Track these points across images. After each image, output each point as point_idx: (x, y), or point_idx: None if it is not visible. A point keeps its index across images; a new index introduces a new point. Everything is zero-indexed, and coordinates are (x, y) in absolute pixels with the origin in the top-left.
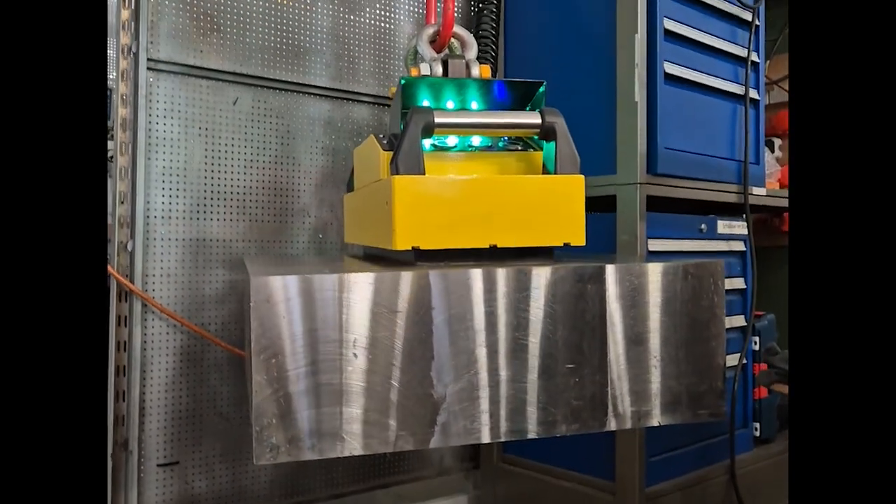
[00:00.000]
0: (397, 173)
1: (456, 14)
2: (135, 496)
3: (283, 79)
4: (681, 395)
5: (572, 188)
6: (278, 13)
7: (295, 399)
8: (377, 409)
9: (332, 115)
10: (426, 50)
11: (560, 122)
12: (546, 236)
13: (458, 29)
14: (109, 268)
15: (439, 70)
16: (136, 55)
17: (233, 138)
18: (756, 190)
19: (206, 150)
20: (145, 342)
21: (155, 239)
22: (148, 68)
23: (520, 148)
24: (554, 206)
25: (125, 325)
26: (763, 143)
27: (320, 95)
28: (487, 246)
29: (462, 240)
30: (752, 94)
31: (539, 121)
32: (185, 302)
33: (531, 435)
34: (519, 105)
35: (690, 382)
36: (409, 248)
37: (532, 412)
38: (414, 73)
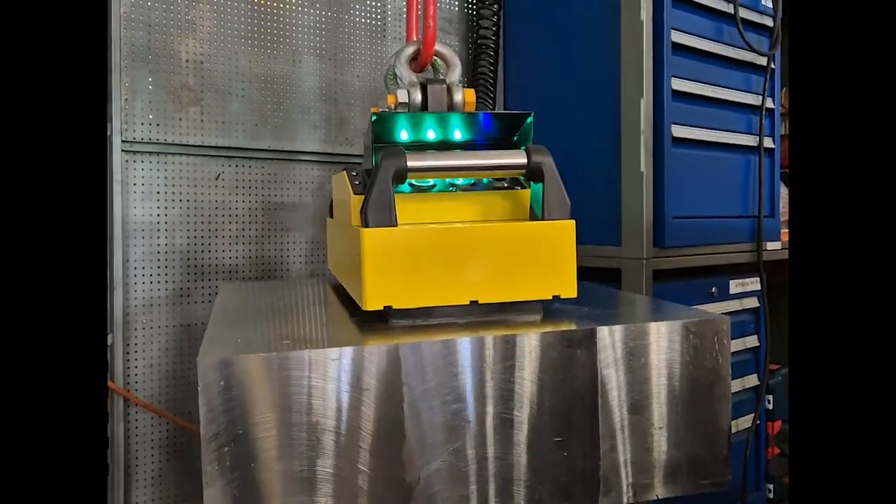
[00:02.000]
0: (366, 225)
1: (444, 40)
2: None
3: (270, 147)
4: (681, 464)
5: (562, 235)
6: (263, 76)
7: (251, 490)
8: (345, 498)
9: (322, 181)
10: (404, 72)
11: (548, 162)
12: (534, 289)
13: (440, 47)
14: None
15: (418, 97)
16: (110, 138)
17: (217, 214)
18: (770, 245)
19: (188, 229)
20: (128, 439)
21: (136, 329)
22: (123, 150)
23: (506, 185)
24: (542, 255)
25: (107, 422)
26: (778, 192)
27: (309, 161)
28: (468, 302)
29: (440, 296)
30: (767, 142)
31: (524, 160)
32: (171, 392)
33: None
34: (505, 135)
35: (692, 450)
36: (381, 308)
37: (517, 491)
38: (390, 100)
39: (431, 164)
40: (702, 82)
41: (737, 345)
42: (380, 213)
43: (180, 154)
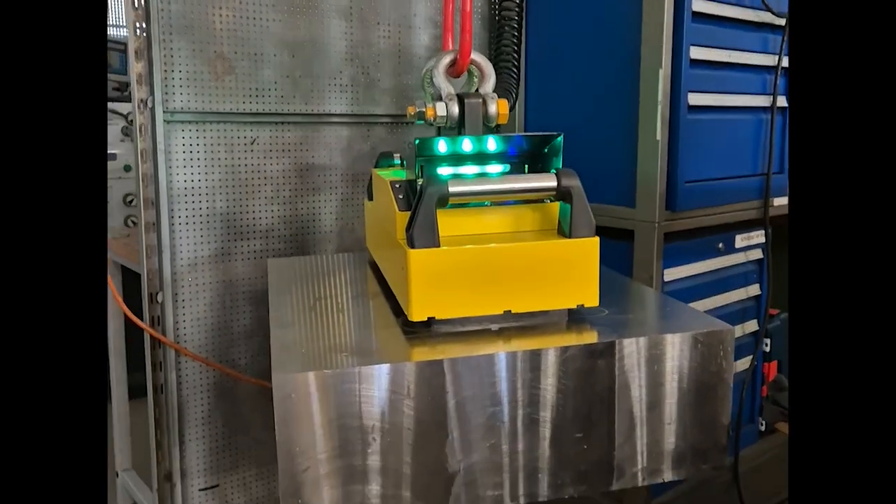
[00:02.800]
0: (412, 246)
1: (474, 33)
2: None
3: (301, 111)
4: (687, 453)
5: (587, 252)
6: (292, 43)
7: (317, 481)
8: (394, 485)
9: (351, 141)
10: (442, 83)
11: (576, 185)
12: (561, 299)
13: (475, 56)
14: (141, 323)
15: (455, 110)
16: (153, 109)
17: (253, 177)
18: (777, 201)
19: (227, 193)
20: (181, 383)
21: (183, 287)
22: (165, 120)
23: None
24: (569, 269)
25: (161, 370)
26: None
27: (338, 123)
28: (502, 312)
29: (477, 307)
30: (781, 101)
31: (555, 184)
32: (216, 341)
33: (541, 498)
34: (535, 149)
35: (696, 441)
36: (425, 319)
37: (542, 478)
38: (430, 112)
39: (470, 189)
40: (719, 48)
41: (739, 294)
42: (424, 237)
43: (217, 122)
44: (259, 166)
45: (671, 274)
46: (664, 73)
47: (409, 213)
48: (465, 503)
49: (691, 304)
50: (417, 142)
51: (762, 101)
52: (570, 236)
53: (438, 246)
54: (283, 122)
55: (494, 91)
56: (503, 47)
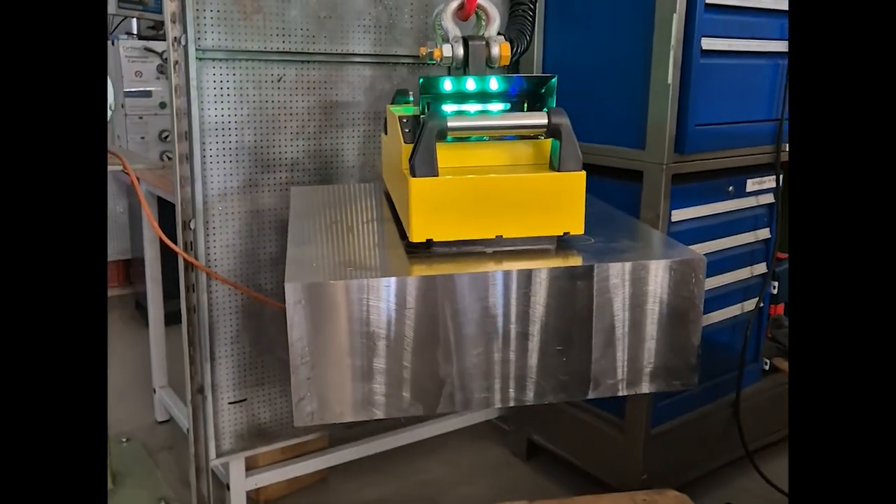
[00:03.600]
0: (413, 175)
1: None
2: (212, 428)
3: (325, 50)
4: (659, 370)
5: (574, 184)
6: None
7: (325, 379)
8: (394, 385)
9: (374, 80)
10: (450, 26)
11: (565, 123)
12: (548, 227)
13: (482, 1)
14: (176, 247)
15: (460, 52)
16: (185, 47)
17: (280, 113)
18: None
19: (255, 128)
20: (211, 305)
21: (214, 216)
22: (197, 58)
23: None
24: (557, 200)
25: (193, 292)
26: None
27: (361, 63)
28: (494, 236)
29: (472, 231)
30: None
31: (545, 122)
32: (244, 267)
33: (525, 402)
34: (533, 89)
35: (668, 359)
36: (424, 241)
37: (526, 385)
38: (437, 53)
39: (467, 124)
40: None
41: (748, 237)
42: (424, 167)
43: (246, 59)
44: (286, 103)
45: (678, 215)
46: (678, 17)
47: (412, 145)
48: (457, 403)
49: (698, 245)
50: (422, 81)
51: (778, 46)
52: (559, 170)
53: (437, 175)
54: (308, 62)
55: (503, 34)
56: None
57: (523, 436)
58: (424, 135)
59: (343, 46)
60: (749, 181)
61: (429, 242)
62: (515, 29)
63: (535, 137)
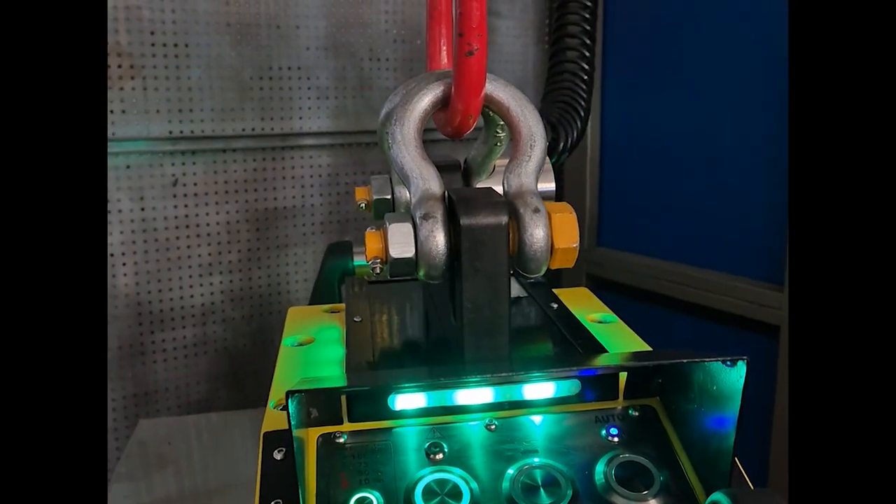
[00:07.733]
0: None
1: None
2: None
3: (256, 132)
4: None
5: None
6: (236, 25)
7: None
8: None
9: (335, 170)
10: (413, 165)
11: None
12: None
13: (498, 91)
14: None
15: (439, 238)
16: None
17: (177, 235)
18: None
19: (135, 262)
20: None
21: None
22: None
23: None
24: None
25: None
26: None
27: (313, 146)
28: None
29: None
30: None
31: None
32: None
33: None
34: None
35: None
36: None
37: None
38: (372, 242)
39: None
40: None
41: None
42: None
43: (118, 154)
44: (188, 218)
45: None
46: None
47: None
48: None
49: None
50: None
51: None
52: None
53: None
54: (224, 150)
55: (546, 157)
56: (564, 32)
57: None
58: None
59: (282, 123)
60: None
61: None
62: (559, 105)
63: None
